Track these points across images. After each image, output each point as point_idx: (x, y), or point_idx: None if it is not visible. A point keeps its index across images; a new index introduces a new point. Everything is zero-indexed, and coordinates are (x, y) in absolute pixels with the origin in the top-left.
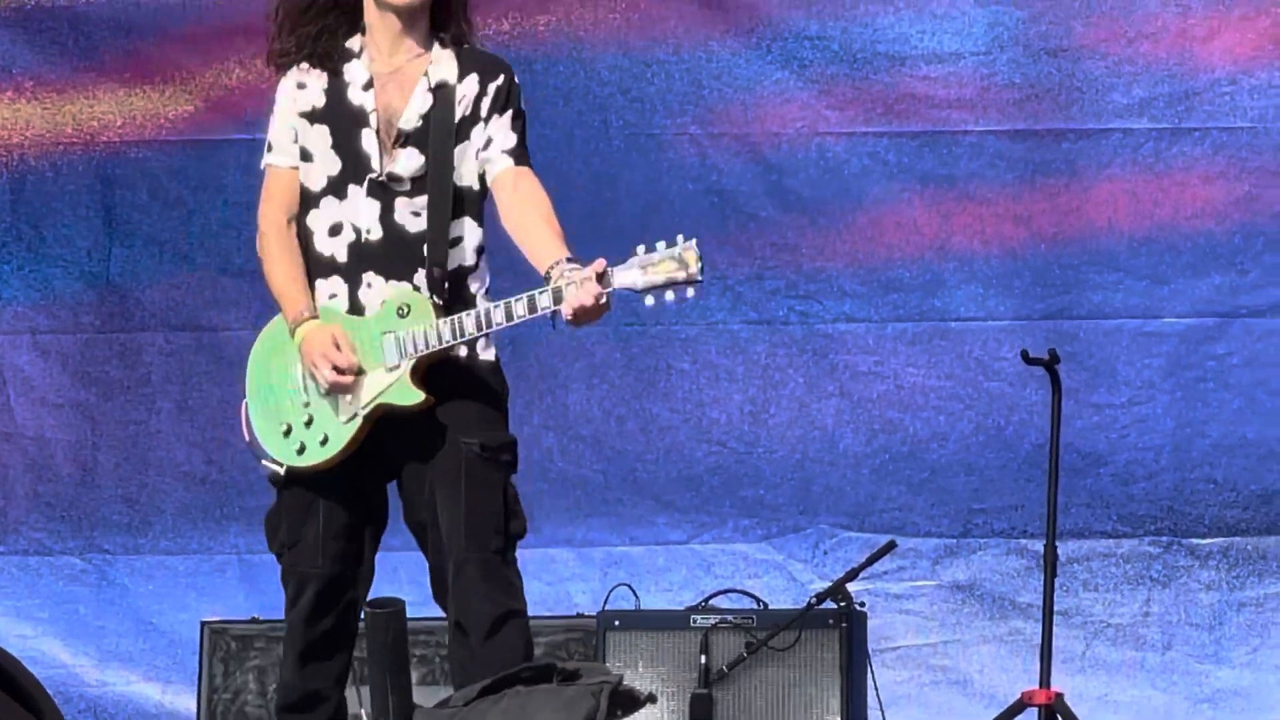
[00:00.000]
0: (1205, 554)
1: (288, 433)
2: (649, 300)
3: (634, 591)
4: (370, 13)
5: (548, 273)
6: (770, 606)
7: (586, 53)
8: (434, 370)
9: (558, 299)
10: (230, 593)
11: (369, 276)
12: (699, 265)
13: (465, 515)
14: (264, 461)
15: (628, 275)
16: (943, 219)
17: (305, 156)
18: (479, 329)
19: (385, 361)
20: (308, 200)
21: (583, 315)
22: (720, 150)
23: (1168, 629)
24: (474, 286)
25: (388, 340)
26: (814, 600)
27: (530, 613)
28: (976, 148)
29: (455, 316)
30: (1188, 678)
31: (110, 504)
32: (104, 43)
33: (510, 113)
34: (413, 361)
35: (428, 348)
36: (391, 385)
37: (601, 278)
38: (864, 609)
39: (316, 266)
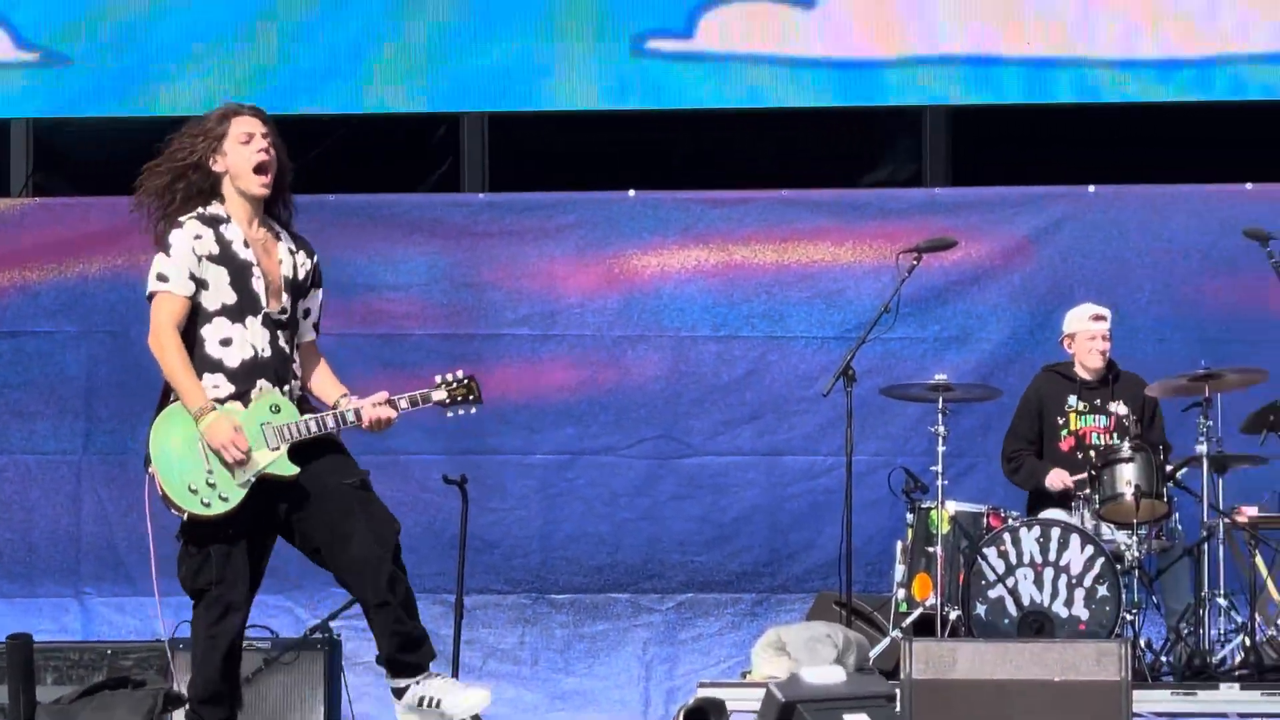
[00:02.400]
0: (560, 604)
1: (194, 490)
2: (449, 414)
3: None
4: (228, 191)
5: (337, 401)
6: (281, 635)
7: None
8: (303, 444)
9: (359, 415)
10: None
11: (261, 383)
12: (478, 390)
13: (371, 527)
14: (173, 511)
15: (406, 399)
16: (397, 390)
17: (202, 285)
18: (338, 427)
19: (268, 444)
20: (201, 316)
21: (376, 426)
22: None
23: (535, 652)
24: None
25: (267, 429)
26: (309, 632)
27: (118, 639)
28: (420, 344)
29: (319, 415)
30: (548, 683)
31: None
32: None
33: (320, 289)
34: (289, 445)
35: (300, 436)
36: (274, 461)
37: (389, 403)
38: (340, 637)
39: (203, 365)
